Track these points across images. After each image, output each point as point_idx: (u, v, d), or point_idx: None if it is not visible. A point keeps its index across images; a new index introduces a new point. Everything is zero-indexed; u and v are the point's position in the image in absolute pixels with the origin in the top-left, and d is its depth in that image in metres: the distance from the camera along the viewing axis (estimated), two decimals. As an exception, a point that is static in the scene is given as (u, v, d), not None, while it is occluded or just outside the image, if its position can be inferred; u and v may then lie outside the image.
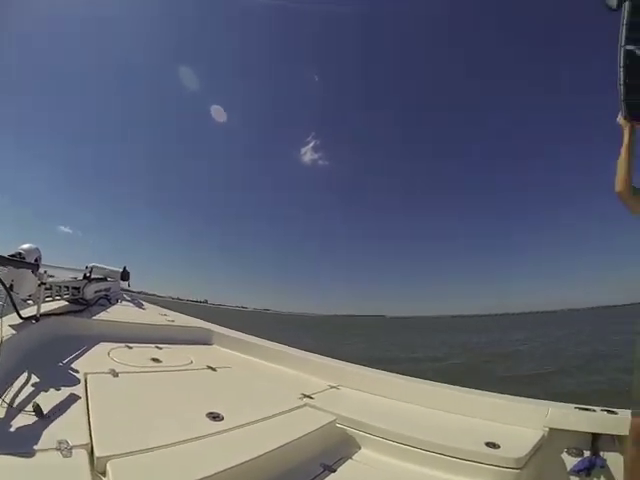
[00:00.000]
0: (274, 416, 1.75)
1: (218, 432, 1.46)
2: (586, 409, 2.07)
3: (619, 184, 1.94)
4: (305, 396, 2.14)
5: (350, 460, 1.69)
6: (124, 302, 4.20)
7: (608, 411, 2.06)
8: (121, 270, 4.37)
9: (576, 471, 1.91)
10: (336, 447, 1.77)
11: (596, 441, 1.96)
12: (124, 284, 4.54)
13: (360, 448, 1.83)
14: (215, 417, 1.57)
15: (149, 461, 1.17)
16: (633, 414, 1.76)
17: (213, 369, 2.46)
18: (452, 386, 2.46)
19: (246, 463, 1.27)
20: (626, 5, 1.37)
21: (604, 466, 1.90)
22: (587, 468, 1.89)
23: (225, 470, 1.19)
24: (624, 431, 1.87)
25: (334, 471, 1.54)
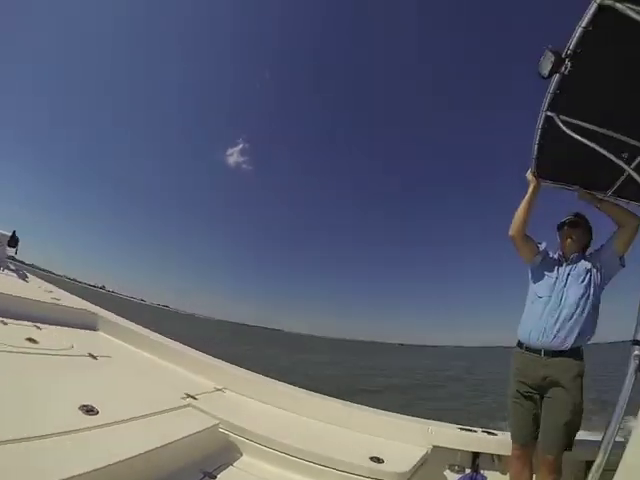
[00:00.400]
0: (154, 414, 1.60)
1: (90, 427, 1.26)
2: (468, 429, 2.21)
3: (514, 229, 2.26)
4: (189, 396, 2.00)
5: (231, 467, 1.60)
6: (7, 271, 3.76)
7: (488, 432, 2.23)
8: (9, 235, 3.81)
9: None
10: (218, 453, 1.66)
11: (477, 459, 2.10)
12: (11, 251, 4.04)
13: (242, 455, 1.74)
14: (89, 410, 1.37)
15: (3, 456, 0.96)
16: (514, 440, 2.00)
17: (94, 357, 2.21)
18: (340, 400, 2.46)
19: (118, 464, 1.11)
20: (555, 77, 1.53)
21: None
22: None
23: (91, 471, 1.01)
24: (503, 451, 2.07)
25: (214, 478, 1.45)
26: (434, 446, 2.04)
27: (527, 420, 1.99)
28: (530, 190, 2.22)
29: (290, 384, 2.68)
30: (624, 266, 2.06)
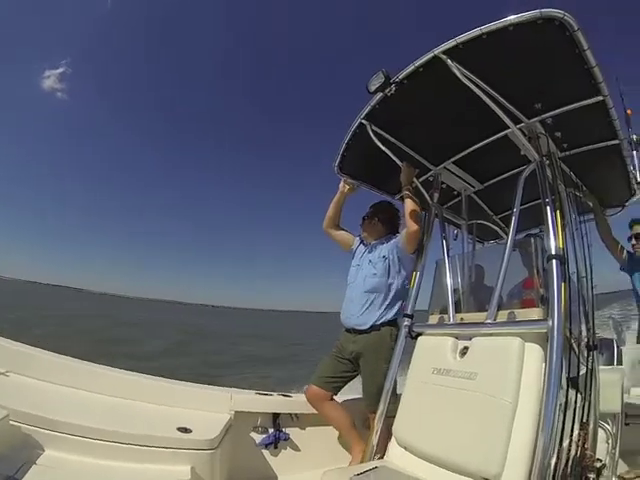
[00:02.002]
0: None
1: None
2: (265, 394, 2.45)
3: (325, 224, 2.65)
4: None
5: (35, 466, 1.36)
6: None
7: (284, 395, 2.53)
8: None
9: (264, 445, 2.26)
10: (14, 452, 1.39)
11: (277, 419, 2.34)
12: None
13: (44, 450, 1.49)
14: None
15: None
16: (311, 382, 2.31)
17: None
18: (142, 374, 2.34)
19: None
20: (379, 94, 1.83)
21: (287, 439, 2.33)
22: (273, 442, 2.27)
23: None
24: (299, 410, 2.39)
25: None
26: (237, 412, 2.17)
27: (328, 371, 2.31)
28: (341, 185, 2.57)
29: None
30: (414, 254, 2.30)
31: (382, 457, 1.86)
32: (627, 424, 2.74)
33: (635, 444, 2.66)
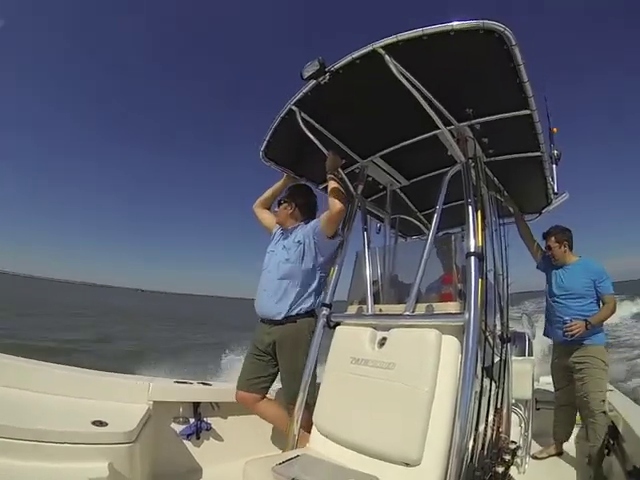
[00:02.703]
0: None
1: None
2: (184, 382, 2.39)
3: (256, 204, 2.60)
4: None
5: None
6: None
7: (204, 384, 2.47)
8: None
9: (186, 435, 2.19)
10: None
11: (198, 408, 2.28)
12: None
13: None
14: None
15: None
16: (238, 387, 2.22)
17: None
18: (51, 364, 2.15)
19: None
20: (312, 81, 1.82)
21: (210, 429, 2.28)
22: (195, 432, 2.22)
23: None
24: (221, 398, 2.34)
25: None
26: (155, 402, 2.09)
27: (250, 372, 2.23)
28: (282, 179, 2.56)
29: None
30: (334, 239, 2.20)
31: (305, 446, 1.86)
32: (538, 409, 3.04)
33: (545, 426, 2.96)
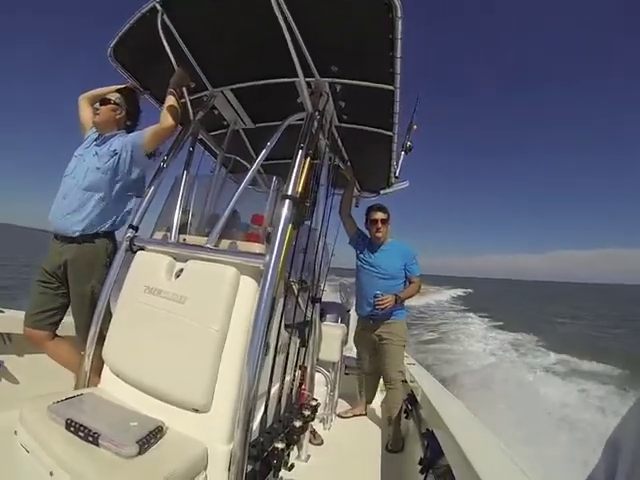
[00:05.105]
0: None
1: None
2: None
3: (86, 94, 2.13)
4: None
5: None
6: None
7: None
8: None
9: None
10: None
11: None
12: None
13: None
14: None
15: None
16: (24, 323, 1.89)
17: None
18: None
19: None
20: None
21: (1, 366, 1.97)
22: None
23: None
24: (14, 329, 1.97)
25: None
26: None
27: (37, 305, 1.90)
28: (123, 87, 2.17)
29: None
30: (152, 157, 2.04)
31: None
32: (347, 374, 3.34)
33: (352, 390, 3.27)
